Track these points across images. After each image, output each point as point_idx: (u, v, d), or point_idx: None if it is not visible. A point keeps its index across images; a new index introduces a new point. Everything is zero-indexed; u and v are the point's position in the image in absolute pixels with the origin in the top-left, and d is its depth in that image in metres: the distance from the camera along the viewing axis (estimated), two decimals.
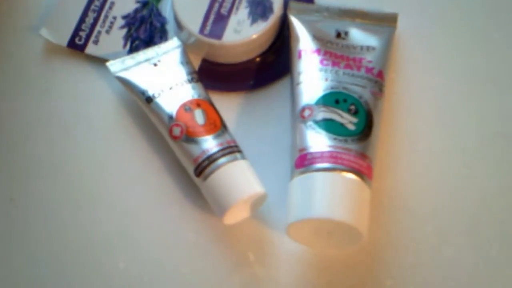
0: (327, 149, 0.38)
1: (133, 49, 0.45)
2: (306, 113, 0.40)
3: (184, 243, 0.40)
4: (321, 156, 0.38)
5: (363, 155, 0.39)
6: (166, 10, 0.46)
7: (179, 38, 0.44)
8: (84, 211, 0.41)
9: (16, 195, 0.42)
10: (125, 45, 0.45)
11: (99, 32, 0.45)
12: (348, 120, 0.39)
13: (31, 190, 0.42)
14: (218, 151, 0.39)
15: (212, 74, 0.44)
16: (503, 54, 0.44)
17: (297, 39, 0.43)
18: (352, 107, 0.40)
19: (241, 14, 0.43)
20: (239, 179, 0.39)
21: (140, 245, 0.40)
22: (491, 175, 0.41)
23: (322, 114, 0.40)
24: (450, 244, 0.40)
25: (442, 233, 0.40)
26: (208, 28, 0.43)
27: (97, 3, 0.45)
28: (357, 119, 0.39)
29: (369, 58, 0.42)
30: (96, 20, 0.45)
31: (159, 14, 0.46)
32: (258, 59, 0.45)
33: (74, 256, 0.40)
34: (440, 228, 0.40)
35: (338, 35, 0.43)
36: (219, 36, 0.43)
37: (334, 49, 0.42)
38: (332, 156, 0.38)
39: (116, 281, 0.40)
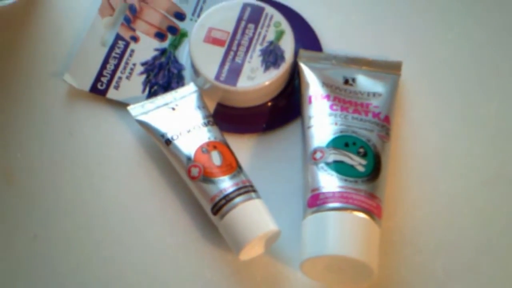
0: (338, 189, 0.41)
1: (151, 94, 0.47)
2: (318, 155, 0.42)
3: (201, 279, 0.42)
4: (332, 196, 0.40)
5: (372, 195, 0.41)
6: (183, 57, 0.48)
7: (196, 84, 0.47)
8: (104, 249, 0.43)
9: (40, 232, 0.43)
10: (144, 90, 0.47)
11: (120, 78, 0.47)
12: (358, 162, 0.42)
13: (54, 228, 0.43)
14: (234, 191, 0.41)
15: (227, 117, 0.46)
16: (505, 100, 0.47)
17: (307, 85, 0.46)
18: (361, 150, 0.42)
19: (255, 62, 0.46)
20: (254, 217, 0.41)
21: (158, 281, 0.42)
22: (494, 214, 0.43)
23: (333, 156, 0.42)
24: (457, 280, 0.42)
25: (449, 269, 0.42)
26: (223, 75, 0.46)
27: (117, 50, 0.48)
28: (366, 161, 0.42)
29: (375, 103, 0.45)
30: (117, 66, 0.48)
31: (176, 61, 0.48)
32: (270, 103, 0.47)
33: None
34: (447, 264, 0.42)
35: (346, 81, 0.46)
36: (233, 83, 0.45)
37: (342, 95, 0.45)
38: (343, 196, 0.40)
39: None
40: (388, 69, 0.46)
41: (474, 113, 0.46)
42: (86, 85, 0.47)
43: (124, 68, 0.48)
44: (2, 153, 0.46)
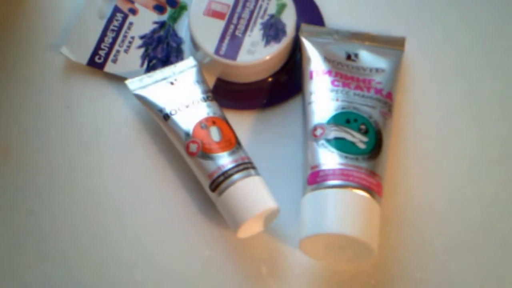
0: (339, 166, 0.40)
1: (150, 68, 0.46)
2: (318, 132, 0.41)
3: (199, 256, 0.42)
4: (332, 174, 0.40)
5: (373, 173, 0.40)
6: (182, 30, 0.47)
7: (195, 58, 0.46)
8: (101, 225, 0.43)
9: (36, 207, 0.43)
10: (142, 64, 0.46)
11: (118, 51, 0.47)
12: (359, 139, 0.41)
13: (50, 203, 0.43)
14: (233, 167, 0.41)
15: (227, 93, 0.46)
16: (509, 77, 0.46)
17: (308, 60, 0.45)
18: (363, 127, 0.41)
19: (255, 36, 0.45)
20: (253, 194, 0.40)
21: (156, 258, 0.42)
22: (497, 193, 0.43)
23: (333, 133, 0.41)
24: (457, 260, 0.41)
25: (450, 250, 0.41)
26: (223, 48, 0.45)
27: (116, 23, 0.47)
28: (368, 138, 0.41)
29: (378, 79, 0.44)
30: (115, 39, 0.47)
31: (175, 35, 0.47)
32: (271, 79, 0.46)
33: (92, 269, 0.42)
34: (448, 244, 0.42)
35: (348, 57, 0.45)
36: (233, 57, 0.45)
37: (344, 71, 0.44)
38: (343, 174, 0.40)
39: None
40: (391, 45, 0.46)
41: (478, 91, 0.46)
42: (84, 58, 0.46)
43: (122, 41, 0.47)
44: None
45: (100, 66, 0.46)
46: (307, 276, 0.41)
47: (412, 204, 0.43)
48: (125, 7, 0.48)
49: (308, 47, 0.45)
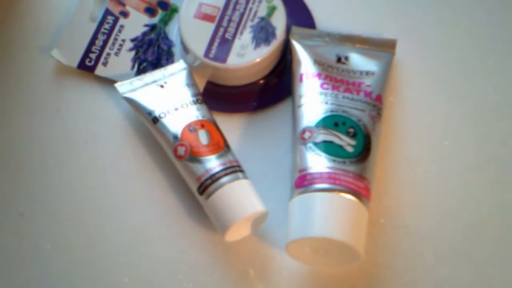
0: (326, 170, 0.40)
1: (140, 71, 0.46)
2: (307, 135, 0.41)
3: (187, 259, 0.42)
4: (320, 177, 0.40)
5: (361, 177, 0.40)
6: (173, 33, 0.47)
7: (185, 61, 0.46)
8: (90, 227, 0.43)
9: (26, 209, 0.43)
10: (133, 67, 0.46)
11: (108, 54, 0.47)
12: (347, 143, 0.41)
13: (40, 205, 0.43)
14: (221, 171, 0.41)
15: (216, 96, 0.46)
16: (498, 80, 0.46)
17: (299, 63, 0.45)
18: (351, 130, 0.41)
19: (245, 39, 0.45)
20: (241, 198, 0.40)
21: (144, 261, 0.42)
22: (486, 197, 0.43)
23: (322, 136, 0.41)
24: (446, 263, 0.41)
25: (438, 253, 0.41)
26: (213, 51, 0.45)
27: (106, 26, 0.47)
28: (356, 142, 0.41)
29: (368, 82, 0.44)
30: (105, 42, 0.47)
31: (166, 37, 0.47)
32: (261, 82, 0.46)
33: (80, 270, 0.42)
34: (437, 247, 0.41)
35: (339, 59, 0.45)
36: (223, 60, 0.44)
37: (334, 74, 0.44)
38: (330, 177, 0.39)
39: None
40: (382, 47, 0.45)
41: (469, 93, 0.45)
42: (74, 61, 0.46)
43: (113, 44, 0.47)
44: None
45: (91, 69, 0.46)
46: (294, 279, 0.41)
47: (401, 207, 0.42)
48: (116, 10, 0.48)
49: (299, 49, 0.45)
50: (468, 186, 0.43)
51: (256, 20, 0.45)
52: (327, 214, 0.38)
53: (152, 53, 0.47)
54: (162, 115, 0.43)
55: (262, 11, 0.45)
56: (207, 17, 0.46)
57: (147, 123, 0.43)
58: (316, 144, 0.41)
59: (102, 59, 0.46)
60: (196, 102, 0.44)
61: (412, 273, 0.41)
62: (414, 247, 0.41)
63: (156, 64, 0.46)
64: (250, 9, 0.46)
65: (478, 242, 0.42)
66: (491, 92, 0.45)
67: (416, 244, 0.41)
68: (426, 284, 0.41)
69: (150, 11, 0.48)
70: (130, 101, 0.44)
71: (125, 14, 0.48)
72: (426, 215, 0.42)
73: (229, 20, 0.45)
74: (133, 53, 0.47)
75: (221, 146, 0.42)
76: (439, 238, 0.42)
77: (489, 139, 0.44)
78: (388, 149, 0.44)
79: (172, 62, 0.46)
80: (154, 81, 0.45)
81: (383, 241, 0.41)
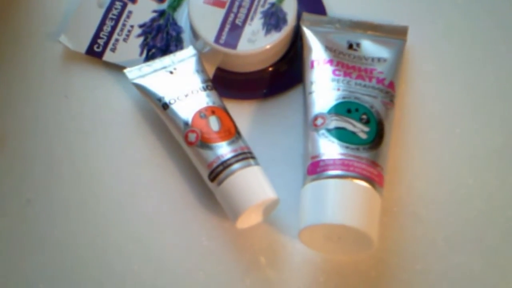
0: (339, 157, 0.39)
1: (149, 57, 0.46)
2: (319, 121, 0.41)
3: (197, 246, 0.41)
4: (333, 164, 0.39)
5: (374, 163, 0.39)
6: (182, 19, 0.47)
7: (195, 47, 0.45)
8: (100, 214, 0.42)
9: (34, 196, 0.43)
10: (141, 53, 0.46)
11: (117, 40, 0.46)
12: (360, 129, 0.40)
13: (48, 192, 0.43)
14: (232, 157, 0.40)
15: (227, 82, 0.45)
16: (511, 67, 0.45)
17: (309, 50, 0.44)
18: (364, 117, 0.41)
19: (256, 25, 0.44)
20: (253, 185, 0.40)
21: (154, 248, 0.41)
22: (498, 184, 0.42)
23: (334, 122, 0.41)
24: (458, 251, 0.41)
25: (450, 241, 0.41)
26: (223, 37, 0.44)
27: (115, 11, 0.47)
28: (369, 128, 0.40)
29: (380, 69, 0.43)
30: (114, 28, 0.46)
31: (175, 23, 0.47)
32: (271, 68, 0.46)
33: (90, 258, 0.41)
34: (449, 235, 0.41)
35: (350, 46, 0.44)
36: (233, 46, 0.44)
37: (346, 60, 0.44)
38: (344, 164, 0.39)
39: (130, 283, 0.41)
40: (393, 34, 0.45)
41: (481, 81, 0.45)
42: (82, 47, 0.46)
43: (121, 30, 0.46)
44: None
45: (99, 55, 0.46)
46: (306, 266, 0.41)
47: (413, 195, 0.42)
48: None
49: (309, 36, 0.45)
50: (480, 174, 0.43)
51: (267, 5, 0.45)
52: (341, 200, 0.38)
53: (161, 39, 0.46)
54: (172, 101, 0.42)
55: None
56: (217, 3, 0.45)
57: (157, 109, 0.43)
58: (329, 130, 0.40)
59: (110, 45, 0.46)
60: (206, 88, 0.43)
61: (424, 261, 0.41)
62: (426, 235, 0.41)
63: (165, 50, 0.46)
64: None
65: (490, 230, 0.41)
66: (503, 79, 0.45)
67: (428, 232, 0.41)
68: (437, 272, 0.41)
69: None
70: (140, 87, 0.43)
71: (133, 0, 0.47)
72: (438, 203, 0.42)
73: (239, 6, 0.45)
74: (141, 39, 0.46)
75: (232, 132, 0.41)
76: (451, 226, 0.41)
77: (501, 127, 0.44)
78: (400, 137, 0.43)
79: (181, 48, 0.46)
80: (164, 67, 0.44)
81: (395, 229, 0.41)
